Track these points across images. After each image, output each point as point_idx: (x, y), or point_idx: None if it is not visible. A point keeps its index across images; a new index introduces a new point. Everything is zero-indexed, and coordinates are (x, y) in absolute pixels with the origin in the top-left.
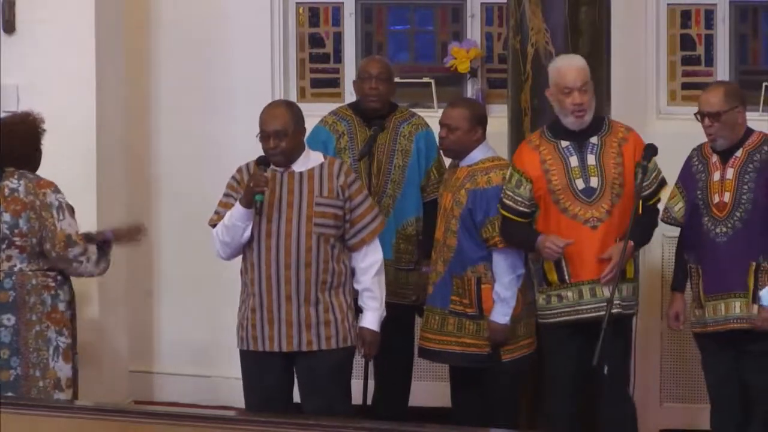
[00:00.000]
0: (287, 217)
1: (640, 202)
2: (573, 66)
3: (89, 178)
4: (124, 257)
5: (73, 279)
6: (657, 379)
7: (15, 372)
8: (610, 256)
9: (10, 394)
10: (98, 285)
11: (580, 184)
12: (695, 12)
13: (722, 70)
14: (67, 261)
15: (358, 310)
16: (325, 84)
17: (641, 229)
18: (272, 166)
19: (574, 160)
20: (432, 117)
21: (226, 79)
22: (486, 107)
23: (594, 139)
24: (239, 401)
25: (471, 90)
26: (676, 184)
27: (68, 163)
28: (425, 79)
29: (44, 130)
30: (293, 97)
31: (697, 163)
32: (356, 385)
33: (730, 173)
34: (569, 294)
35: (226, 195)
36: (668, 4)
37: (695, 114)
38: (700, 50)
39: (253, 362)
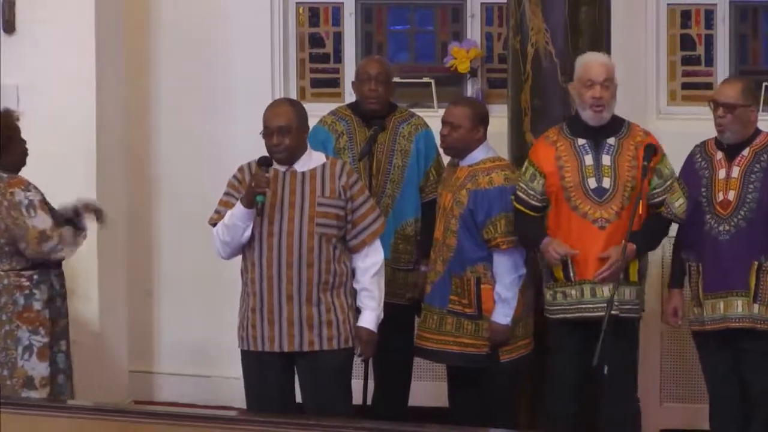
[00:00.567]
0: (289, 217)
1: (649, 207)
2: (598, 61)
3: (89, 178)
4: (124, 257)
5: (72, 279)
6: (657, 379)
7: None
8: (608, 255)
9: None
10: (98, 285)
11: (592, 183)
12: (695, 12)
13: (722, 70)
14: (44, 255)
15: (359, 311)
16: (325, 84)
17: (647, 234)
18: (274, 166)
19: (588, 159)
20: (432, 117)
21: (226, 79)
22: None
23: (611, 140)
24: (239, 401)
25: (471, 90)
26: (677, 179)
27: (68, 163)
28: (425, 79)
29: (18, 126)
30: (293, 97)
31: (700, 159)
32: (356, 385)
33: (735, 171)
34: (573, 292)
35: (226, 194)
36: (668, 4)
37: (708, 102)
38: (700, 50)
39: (254, 362)
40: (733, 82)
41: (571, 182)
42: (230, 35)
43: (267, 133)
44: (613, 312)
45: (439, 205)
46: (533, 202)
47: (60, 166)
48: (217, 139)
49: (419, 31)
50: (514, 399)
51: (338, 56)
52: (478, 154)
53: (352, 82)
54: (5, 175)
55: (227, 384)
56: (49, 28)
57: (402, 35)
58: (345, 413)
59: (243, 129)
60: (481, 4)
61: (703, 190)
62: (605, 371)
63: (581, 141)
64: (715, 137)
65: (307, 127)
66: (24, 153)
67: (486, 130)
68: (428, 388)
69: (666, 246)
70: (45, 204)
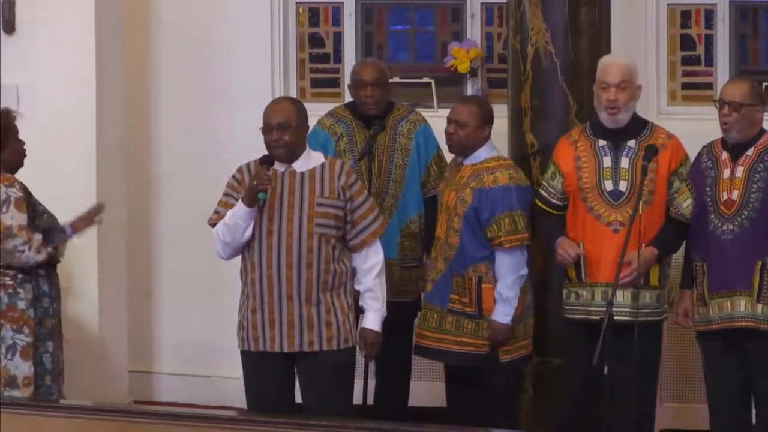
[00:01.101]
0: (288, 217)
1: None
2: (615, 63)
3: (89, 178)
4: (124, 257)
5: (72, 279)
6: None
7: None
8: (630, 260)
9: None
10: (98, 285)
11: (608, 185)
12: (695, 12)
13: (722, 70)
14: (6, 252)
15: (359, 311)
16: (325, 84)
17: (667, 238)
18: (274, 165)
19: (607, 161)
20: (432, 117)
21: (226, 79)
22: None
23: (632, 143)
24: (239, 401)
25: (471, 90)
26: (684, 180)
27: (68, 163)
28: (425, 79)
29: (14, 126)
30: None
31: (706, 160)
32: (356, 385)
33: (739, 171)
34: (584, 293)
35: (226, 194)
36: (668, 4)
37: (714, 101)
38: (700, 50)
39: (254, 363)
40: (739, 81)
41: (587, 183)
42: (230, 35)
43: (266, 129)
44: (625, 318)
45: (442, 203)
46: (554, 201)
47: (60, 166)
48: (217, 139)
49: (419, 31)
50: (514, 399)
51: (338, 56)
52: (482, 153)
53: (348, 85)
54: None
55: (227, 384)
56: (49, 28)
57: (402, 35)
58: (345, 413)
59: (243, 129)
60: (481, 4)
61: (707, 189)
62: (605, 371)
63: (602, 142)
64: (722, 137)
65: (307, 126)
66: (21, 153)
67: (491, 128)
68: (428, 388)
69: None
70: (25, 203)
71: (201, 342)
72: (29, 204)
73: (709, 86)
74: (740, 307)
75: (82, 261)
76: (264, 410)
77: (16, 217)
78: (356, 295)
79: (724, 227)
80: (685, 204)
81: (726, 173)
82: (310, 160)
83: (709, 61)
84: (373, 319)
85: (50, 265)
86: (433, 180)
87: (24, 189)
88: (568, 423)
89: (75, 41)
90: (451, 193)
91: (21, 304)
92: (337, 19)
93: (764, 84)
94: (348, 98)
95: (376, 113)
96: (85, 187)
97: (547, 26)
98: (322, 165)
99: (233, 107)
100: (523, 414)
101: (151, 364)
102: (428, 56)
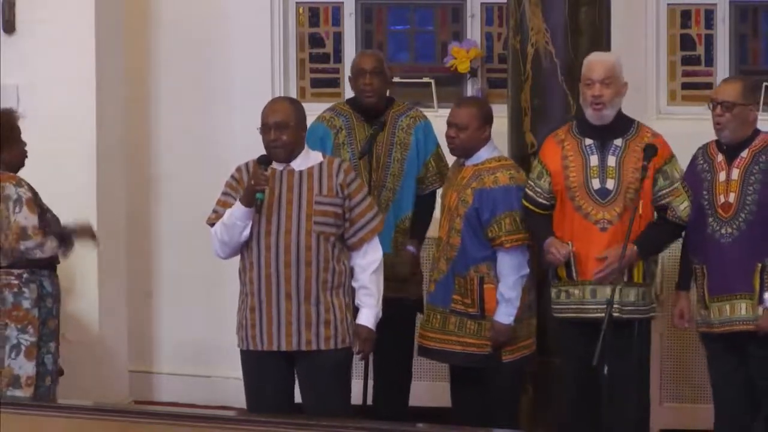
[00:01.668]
0: (287, 216)
1: (657, 210)
2: (600, 60)
3: (89, 178)
4: (124, 257)
5: (72, 279)
6: (657, 379)
7: None
8: (605, 256)
9: None
10: (98, 285)
11: (596, 184)
12: (695, 12)
13: (722, 70)
14: (20, 253)
15: (356, 310)
16: (325, 84)
17: (651, 237)
18: (272, 165)
19: (594, 159)
20: (432, 117)
21: (226, 79)
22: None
23: (618, 141)
24: (239, 401)
25: (471, 90)
26: (681, 182)
27: (68, 163)
28: (425, 79)
29: (17, 126)
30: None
31: (702, 162)
32: (356, 385)
33: (735, 174)
34: (575, 291)
35: (224, 194)
36: (668, 4)
37: (708, 102)
38: (700, 50)
39: (253, 362)
40: (732, 81)
41: (575, 182)
42: (230, 35)
43: (264, 128)
44: (616, 314)
45: (444, 204)
46: (540, 200)
47: (60, 166)
48: (217, 139)
49: (419, 31)
50: (516, 399)
51: (338, 56)
52: (483, 154)
53: (349, 78)
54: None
55: (227, 384)
56: (49, 28)
57: (402, 35)
58: (343, 413)
59: (243, 129)
60: (481, 4)
61: (704, 193)
62: (605, 371)
63: (588, 141)
64: (716, 139)
65: (305, 126)
66: (23, 154)
67: (491, 128)
68: (428, 388)
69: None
70: (35, 204)
71: (201, 342)
72: (37, 204)
73: (709, 86)
74: (741, 311)
75: (82, 261)
76: (263, 409)
77: (29, 218)
78: (352, 293)
79: (723, 230)
80: (682, 206)
81: (722, 176)
82: (309, 158)
83: (709, 61)
84: (367, 316)
85: (52, 265)
86: (431, 176)
87: (31, 189)
88: (568, 423)
89: (75, 41)
90: (453, 193)
91: (26, 304)
92: (337, 19)
93: (765, 84)
94: (348, 98)
95: (373, 101)
96: (85, 187)
97: (547, 26)
98: (321, 163)
99: (233, 107)
100: (524, 414)
101: (151, 364)
102: (428, 56)
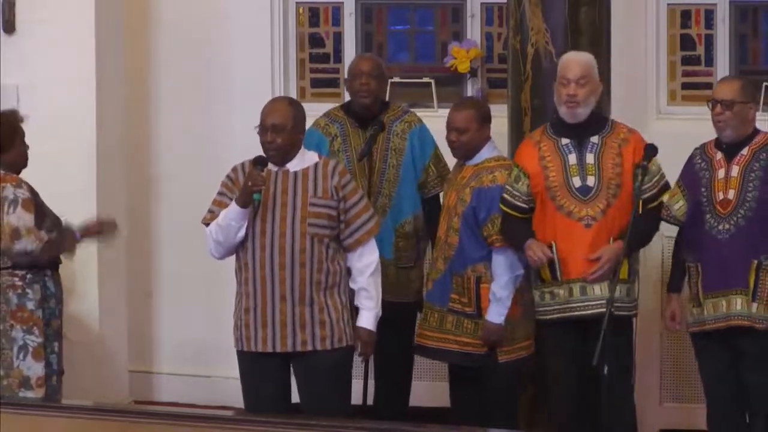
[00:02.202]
0: (281, 217)
1: (640, 204)
2: (575, 59)
3: (89, 178)
4: (124, 257)
5: (72, 279)
6: (657, 379)
7: None
8: (599, 255)
9: None
10: (98, 285)
11: (576, 182)
12: (695, 12)
13: (722, 70)
14: (16, 254)
15: (355, 310)
16: (325, 84)
17: (637, 231)
18: (268, 166)
19: (572, 158)
20: (432, 117)
21: (226, 79)
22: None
23: (595, 139)
24: (239, 401)
25: (471, 90)
26: (677, 182)
27: (68, 163)
28: (425, 79)
29: (20, 127)
30: (293, 97)
31: (700, 161)
32: (356, 385)
33: (735, 171)
34: (561, 291)
35: (220, 194)
36: (668, 4)
37: (707, 102)
38: (700, 50)
39: (249, 363)
40: (731, 80)
41: (555, 182)
42: (230, 35)
43: (262, 129)
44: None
45: (444, 204)
46: (519, 204)
47: (60, 166)
48: (217, 139)
49: (419, 31)
50: (514, 400)
51: (338, 56)
52: (483, 153)
53: (345, 80)
54: (1, 172)
55: (227, 384)
56: (49, 28)
57: (402, 35)
58: (341, 413)
59: (243, 129)
60: (481, 4)
61: (703, 190)
62: (605, 371)
63: (564, 140)
64: (715, 139)
65: (303, 128)
66: (25, 155)
67: (490, 126)
68: (428, 388)
69: (665, 246)
70: (32, 204)
71: (201, 342)
72: (36, 205)
73: (709, 86)
74: (736, 306)
75: (82, 261)
76: (261, 410)
77: (23, 218)
78: (352, 294)
79: (720, 227)
80: (677, 206)
81: (721, 173)
82: (304, 159)
83: (709, 61)
84: (367, 318)
85: (55, 265)
86: (432, 180)
87: (31, 190)
88: (564, 424)
89: (75, 41)
90: (453, 193)
91: (30, 305)
92: (337, 19)
93: (765, 84)
94: (342, 103)
95: (368, 103)
96: (85, 187)
97: (547, 26)
98: (316, 165)
99: (233, 107)
100: (523, 414)
101: (151, 364)
102: (428, 56)
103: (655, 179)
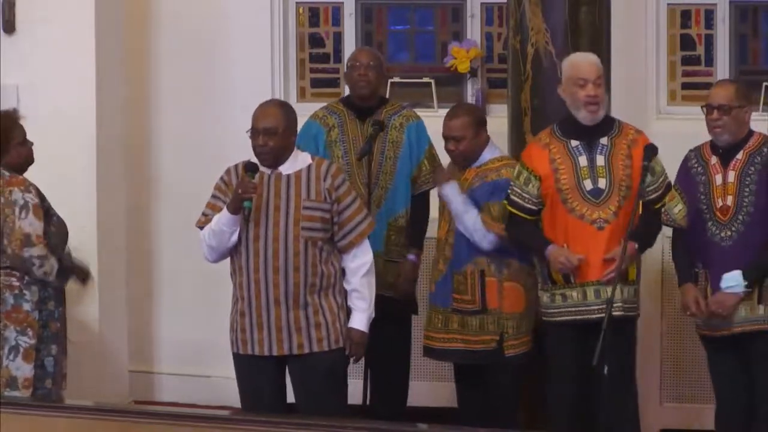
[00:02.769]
0: (274, 221)
1: (643, 205)
2: (588, 60)
3: (89, 177)
4: (124, 258)
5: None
6: (657, 379)
7: None
8: (615, 256)
9: None
10: (98, 285)
11: (588, 184)
12: (695, 12)
13: (722, 70)
14: (22, 260)
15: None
16: (325, 84)
17: (646, 232)
18: (259, 170)
19: (583, 160)
20: (432, 117)
21: (226, 79)
22: (485, 107)
23: (604, 140)
24: (239, 401)
25: (471, 90)
26: (674, 186)
27: (68, 163)
28: (425, 79)
29: (21, 126)
30: (293, 97)
31: (696, 165)
32: (356, 385)
33: (731, 176)
34: (574, 294)
35: (214, 197)
36: (668, 4)
37: (702, 107)
38: (700, 50)
39: (245, 365)
40: (725, 83)
41: (566, 184)
42: (230, 35)
43: (253, 133)
44: (616, 312)
45: (444, 205)
46: (528, 206)
47: (60, 166)
48: (217, 139)
49: (419, 31)
50: (518, 396)
51: (338, 56)
52: (485, 155)
53: (344, 73)
54: (7, 174)
55: (227, 384)
56: (49, 28)
57: (402, 35)
58: (338, 413)
59: (243, 129)
60: (481, 4)
61: (702, 197)
62: (605, 371)
63: (574, 142)
64: (710, 141)
65: (295, 130)
66: (28, 156)
67: (486, 129)
68: (428, 388)
69: (665, 246)
70: (41, 210)
71: (201, 342)
72: (44, 209)
73: (709, 86)
74: (741, 312)
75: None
76: (258, 411)
77: (34, 225)
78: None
79: (722, 234)
80: (677, 209)
81: (718, 179)
82: (297, 161)
83: (709, 61)
84: (359, 319)
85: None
86: (423, 176)
87: (39, 194)
88: (566, 423)
89: (75, 41)
90: None
91: (26, 306)
92: (337, 19)
93: (765, 84)
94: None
95: (366, 94)
96: (85, 187)
97: (547, 26)
98: (309, 167)
99: (233, 107)
100: (523, 413)
101: (151, 364)
102: (428, 56)
103: (660, 180)
